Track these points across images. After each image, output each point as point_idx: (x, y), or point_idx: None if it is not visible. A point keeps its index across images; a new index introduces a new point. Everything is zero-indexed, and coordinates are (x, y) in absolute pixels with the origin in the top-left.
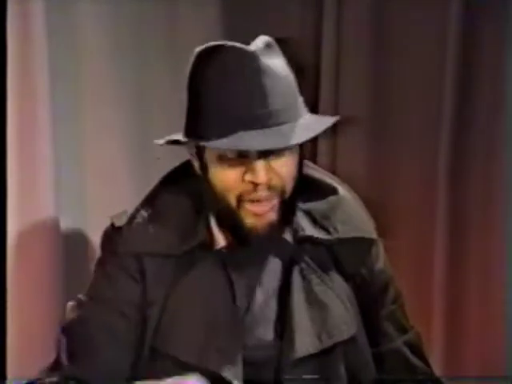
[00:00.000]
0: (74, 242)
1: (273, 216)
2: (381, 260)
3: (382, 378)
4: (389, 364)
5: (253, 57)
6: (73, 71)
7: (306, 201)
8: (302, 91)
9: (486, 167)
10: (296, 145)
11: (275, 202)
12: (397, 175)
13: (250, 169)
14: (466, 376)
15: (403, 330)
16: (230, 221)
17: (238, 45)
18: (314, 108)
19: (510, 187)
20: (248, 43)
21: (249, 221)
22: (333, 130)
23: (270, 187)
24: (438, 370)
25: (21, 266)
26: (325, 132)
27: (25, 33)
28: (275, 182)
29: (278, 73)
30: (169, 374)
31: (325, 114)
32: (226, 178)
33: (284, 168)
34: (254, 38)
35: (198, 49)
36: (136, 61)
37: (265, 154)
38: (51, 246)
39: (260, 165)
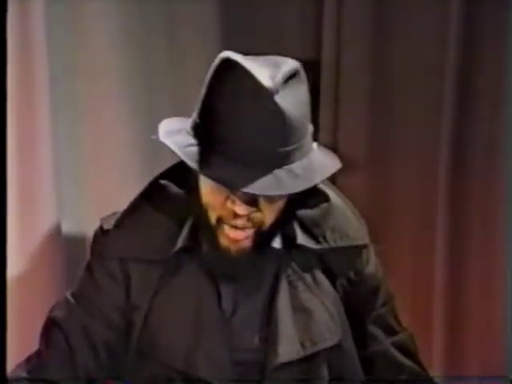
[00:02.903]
0: (74, 241)
1: (247, 243)
2: (371, 264)
3: (372, 379)
4: (377, 366)
5: (269, 97)
6: (72, 71)
7: (296, 207)
8: None
9: (486, 166)
10: (280, 195)
11: (251, 232)
12: (397, 174)
13: (233, 197)
14: (466, 376)
15: (392, 332)
16: (209, 233)
17: (256, 76)
18: (314, 110)
19: (511, 187)
20: (249, 43)
21: (224, 242)
22: (333, 130)
23: (249, 219)
24: (438, 370)
25: (21, 266)
26: (324, 133)
27: (25, 33)
28: (256, 215)
29: (293, 113)
30: (156, 377)
31: (325, 112)
32: (210, 197)
33: (269, 206)
34: (253, 37)
35: (222, 56)
36: (136, 60)
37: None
38: (51, 246)
39: (243, 198)
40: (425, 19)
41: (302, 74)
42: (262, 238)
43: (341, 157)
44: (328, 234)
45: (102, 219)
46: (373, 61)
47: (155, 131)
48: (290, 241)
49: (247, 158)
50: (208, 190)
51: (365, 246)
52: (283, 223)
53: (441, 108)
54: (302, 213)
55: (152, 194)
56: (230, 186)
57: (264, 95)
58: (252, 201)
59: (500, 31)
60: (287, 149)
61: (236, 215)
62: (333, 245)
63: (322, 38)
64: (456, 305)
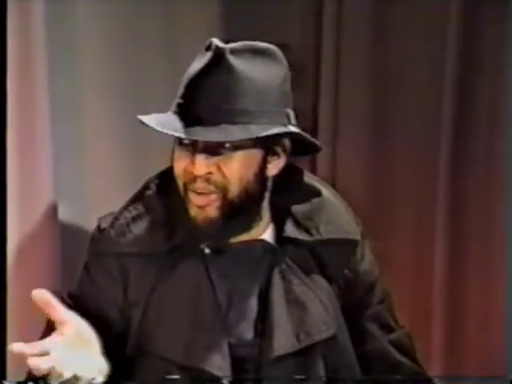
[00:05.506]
0: (73, 240)
1: (212, 211)
2: (366, 261)
3: (369, 378)
4: (374, 363)
5: (218, 52)
6: (72, 71)
7: (289, 203)
8: (301, 93)
9: (486, 168)
10: (221, 141)
11: (214, 197)
12: (397, 176)
13: (192, 160)
14: (466, 376)
15: (389, 329)
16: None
17: (218, 42)
18: (314, 109)
19: (510, 188)
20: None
21: (192, 211)
22: (332, 128)
23: (209, 181)
24: (437, 370)
25: (21, 266)
26: (324, 131)
27: (25, 33)
28: (215, 178)
29: (245, 74)
30: (154, 372)
31: (325, 115)
32: (176, 165)
33: (229, 167)
34: (253, 38)
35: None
36: (135, 60)
37: (209, 149)
38: (50, 245)
39: (200, 157)
40: (424, 19)
41: (276, 55)
42: (229, 208)
43: (341, 156)
44: (322, 227)
45: (99, 219)
46: (372, 62)
47: (153, 133)
48: (283, 236)
49: (195, 112)
50: (176, 159)
51: (359, 242)
52: (257, 200)
53: (441, 108)
54: (295, 208)
55: (147, 194)
56: (162, 130)
57: (215, 51)
58: (208, 162)
59: (500, 31)
60: (238, 107)
61: (196, 177)
62: (326, 236)
63: (322, 37)
64: (455, 304)
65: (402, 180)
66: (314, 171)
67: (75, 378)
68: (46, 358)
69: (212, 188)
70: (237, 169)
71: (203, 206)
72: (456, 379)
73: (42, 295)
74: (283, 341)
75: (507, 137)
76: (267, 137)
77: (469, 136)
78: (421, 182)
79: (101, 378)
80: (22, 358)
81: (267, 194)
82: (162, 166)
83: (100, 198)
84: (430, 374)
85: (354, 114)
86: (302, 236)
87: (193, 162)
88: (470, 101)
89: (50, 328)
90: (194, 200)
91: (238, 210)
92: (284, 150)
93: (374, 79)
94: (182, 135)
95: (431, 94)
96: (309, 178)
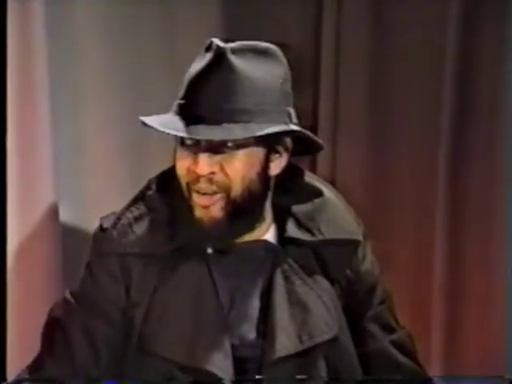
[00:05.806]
0: (73, 240)
1: (217, 212)
2: (367, 261)
3: (370, 378)
4: (375, 364)
5: (219, 52)
6: (72, 71)
7: (290, 203)
8: (302, 93)
9: (485, 168)
10: (224, 140)
11: (218, 197)
12: (397, 176)
13: (195, 160)
14: (466, 376)
15: (390, 330)
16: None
17: (219, 42)
18: (314, 109)
19: (510, 187)
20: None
21: (197, 212)
22: (332, 127)
23: (212, 181)
24: (437, 370)
25: (21, 266)
26: (323, 130)
27: (25, 33)
28: (218, 177)
29: (246, 74)
30: (156, 372)
31: (325, 114)
32: (179, 165)
33: (232, 166)
34: (253, 38)
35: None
36: (135, 60)
37: (212, 148)
38: (51, 246)
39: (203, 157)
40: (424, 19)
41: (277, 55)
42: (233, 208)
43: (341, 156)
44: (323, 227)
45: (102, 219)
46: (372, 61)
47: (153, 133)
48: (285, 236)
49: (197, 112)
50: (178, 158)
51: (360, 242)
52: (260, 199)
53: (441, 107)
54: (296, 208)
55: (149, 194)
56: (165, 130)
57: (215, 51)
58: (211, 161)
59: (500, 31)
60: (239, 106)
61: (199, 177)
62: (328, 237)
63: (322, 37)
64: (455, 304)
65: (402, 180)
66: (314, 171)
67: None
68: None
69: (215, 188)
70: (239, 168)
71: (208, 206)
72: (456, 379)
73: None
74: (285, 342)
75: (507, 136)
76: (269, 135)
77: (468, 133)
78: (421, 182)
79: None
80: (21, 357)
81: (270, 194)
82: (162, 166)
83: (100, 198)
84: (430, 374)
85: (353, 114)
86: (303, 236)
87: (196, 162)
88: (470, 100)
89: (49, 327)
90: (198, 200)
91: (242, 210)
92: (286, 149)
93: (374, 79)
94: (185, 135)
95: (431, 94)
96: (310, 178)
